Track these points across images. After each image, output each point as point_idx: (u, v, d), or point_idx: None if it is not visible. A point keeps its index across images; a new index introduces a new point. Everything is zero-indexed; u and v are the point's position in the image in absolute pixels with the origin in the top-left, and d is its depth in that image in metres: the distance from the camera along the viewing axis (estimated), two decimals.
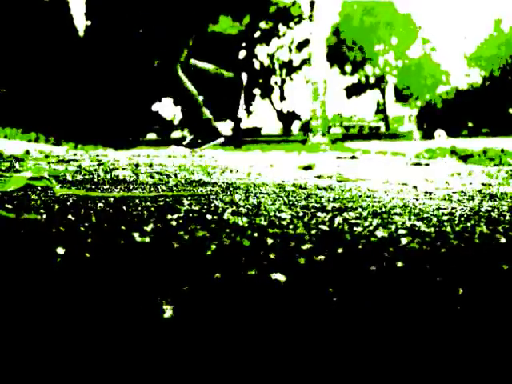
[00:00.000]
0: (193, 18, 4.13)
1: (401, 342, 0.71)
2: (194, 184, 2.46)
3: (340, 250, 1.13)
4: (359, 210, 1.70)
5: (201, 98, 4.48)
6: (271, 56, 37.05)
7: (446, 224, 1.46)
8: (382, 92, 41.10)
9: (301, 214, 1.59)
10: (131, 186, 2.29)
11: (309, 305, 0.83)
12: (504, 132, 25.00)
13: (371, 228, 1.38)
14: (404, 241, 1.23)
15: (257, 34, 34.71)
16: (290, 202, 1.85)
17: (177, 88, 4.17)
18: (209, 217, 1.49)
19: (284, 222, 1.43)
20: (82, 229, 1.28)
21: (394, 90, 40.55)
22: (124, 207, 1.64)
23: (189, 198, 1.93)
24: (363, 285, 0.92)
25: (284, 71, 37.68)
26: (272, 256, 1.07)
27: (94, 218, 1.43)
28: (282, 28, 35.80)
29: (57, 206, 1.63)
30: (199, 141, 4.52)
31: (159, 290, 0.86)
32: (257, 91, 36.74)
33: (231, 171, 3.35)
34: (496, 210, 1.78)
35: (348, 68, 40.58)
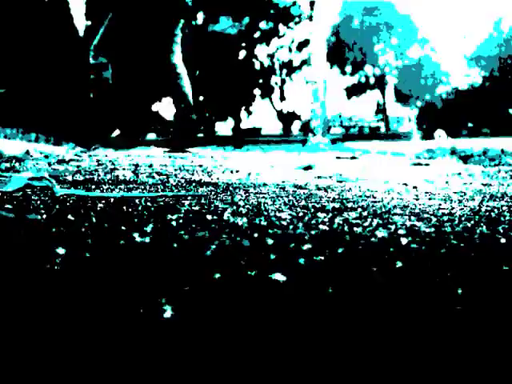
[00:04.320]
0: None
1: (400, 342, 0.71)
2: (194, 184, 2.46)
3: (340, 251, 1.13)
4: (359, 210, 1.70)
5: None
6: (271, 56, 37.04)
7: (446, 224, 1.46)
8: (382, 92, 41.06)
9: (301, 214, 1.59)
10: (131, 186, 2.29)
11: (308, 305, 0.82)
12: (504, 132, 24.97)
13: (371, 228, 1.38)
14: (404, 241, 1.23)
15: (257, 34, 34.71)
16: (290, 203, 1.85)
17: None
18: (209, 217, 1.49)
19: (284, 223, 1.43)
20: (82, 229, 1.28)
21: (394, 90, 40.53)
22: (124, 207, 1.64)
23: (189, 198, 1.93)
24: (363, 285, 0.92)
25: (284, 71, 37.67)
26: (272, 256, 1.07)
27: (94, 219, 1.43)
28: (281, 28, 35.80)
29: (57, 206, 1.63)
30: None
31: (159, 290, 0.86)
32: (257, 91, 36.74)
33: (231, 171, 3.35)
34: (496, 210, 1.78)
35: (348, 68, 40.59)
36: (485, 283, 0.95)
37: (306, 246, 1.16)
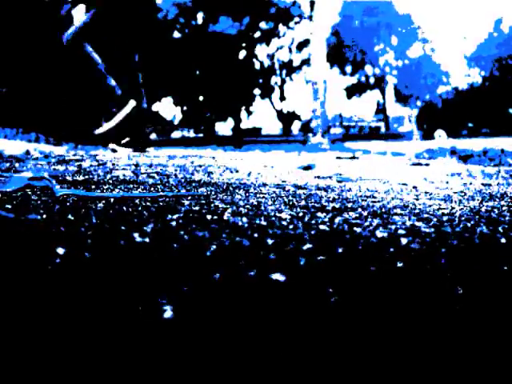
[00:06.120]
0: None
1: (400, 341, 0.71)
2: (194, 184, 2.46)
3: (340, 251, 1.13)
4: (359, 210, 1.70)
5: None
6: (271, 56, 37.04)
7: (446, 224, 1.46)
8: (382, 92, 41.06)
9: (301, 214, 1.59)
10: (131, 186, 2.29)
11: (308, 305, 0.82)
12: (504, 132, 24.96)
13: (371, 228, 1.38)
14: (404, 241, 1.23)
15: (257, 34, 34.71)
16: (290, 203, 1.85)
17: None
18: (209, 217, 1.49)
19: (284, 223, 1.43)
20: (82, 229, 1.28)
21: (394, 90, 40.53)
22: (124, 207, 1.64)
23: (189, 197, 1.92)
24: (363, 285, 0.92)
25: (284, 71, 37.68)
26: (272, 256, 1.07)
27: (94, 219, 1.43)
28: (282, 28, 35.80)
29: (57, 206, 1.63)
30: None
31: (159, 289, 0.86)
32: (257, 91, 36.74)
33: (231, 171, 3.35)
34: (496, 210, 1.78)
35: (348, 68, 40.59)
36: (485, 283, 0.95)
37: (306, 246, 1.15)
